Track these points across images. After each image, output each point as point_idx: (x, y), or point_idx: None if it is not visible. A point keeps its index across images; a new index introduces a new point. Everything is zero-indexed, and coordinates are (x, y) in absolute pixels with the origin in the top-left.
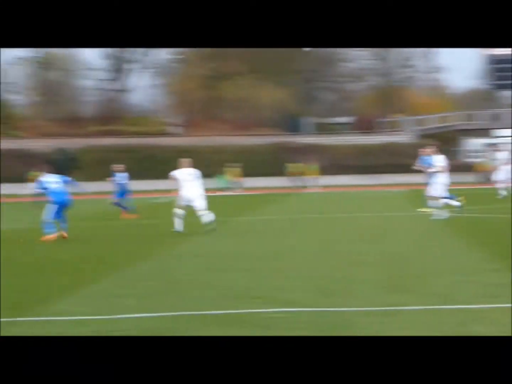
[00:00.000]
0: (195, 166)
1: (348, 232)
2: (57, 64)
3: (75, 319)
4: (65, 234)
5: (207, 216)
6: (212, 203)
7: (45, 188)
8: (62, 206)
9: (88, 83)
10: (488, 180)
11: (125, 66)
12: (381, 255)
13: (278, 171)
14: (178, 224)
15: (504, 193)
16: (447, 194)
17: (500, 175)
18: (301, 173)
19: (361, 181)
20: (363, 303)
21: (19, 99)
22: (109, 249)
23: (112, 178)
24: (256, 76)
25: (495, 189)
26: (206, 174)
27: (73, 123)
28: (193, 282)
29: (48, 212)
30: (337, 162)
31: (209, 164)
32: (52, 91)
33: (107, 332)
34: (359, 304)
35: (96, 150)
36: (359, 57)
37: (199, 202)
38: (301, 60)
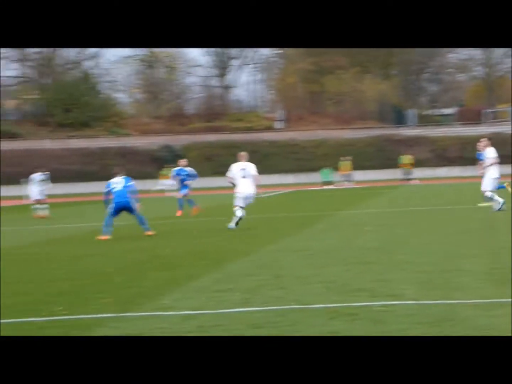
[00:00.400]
0: (298, 160)
1: (453, 224)
2: (161, 61)
3: (181, 314)
4: (150, 232)
5: (238, 212)
6: (319, 196)
7: (110, 189)
8: (120, 208)
9: (192, 80)
10: None
11: (229, 62)
12: (487, 247)
13: (381, 164)
14: (234, 222)
15: None
16: (496, 187)
17: None
18: (410, 165)
19: (466, 173)
20: (470, 295)
21: (124, 97)
22: (207, 244)
23: (174, 174)
24: (359, 69)
25: None
26: (309, 168)
27: (178, 120)
28: (296, 276)
29: (108, 211)
30: (442, 154)
31: (312, 158)
32: (157, 89)
33: (213, 327)
34: (466, 296)
35: (201, 147)
36: (463, 48)
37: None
38: (405, 51)
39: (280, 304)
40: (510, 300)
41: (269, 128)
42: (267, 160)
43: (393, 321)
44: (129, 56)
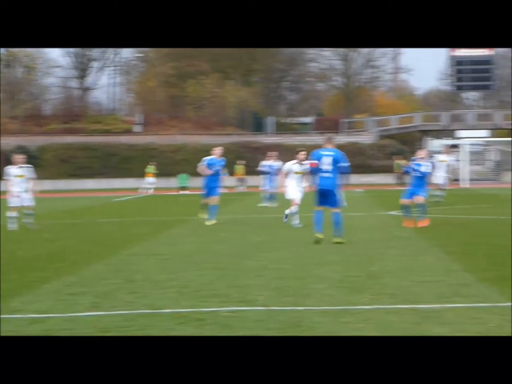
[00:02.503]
0: (157, 164)
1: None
2: (20, 61)
3: (29, 317)
4: None
5: None
6: (176, 201)
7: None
8: None
9: (50, 80)
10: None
11: (89, 64)
12: (343, 254)
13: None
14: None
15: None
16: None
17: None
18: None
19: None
20: (320, 302)
21: None
22: (62, 247)
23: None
24: (220, 75)
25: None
26: (168, 173)
27: (35, 120)
28: (149, 280)
29: None
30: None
31: (170, 163)
32: (14, 88)
33: (61, 331)
34: (317, 303)
35: (57, 148)
36: (324, 57)
37: None
38: (266, 59)
39: (130, 309)
40: (359, 307)
41: (128, 131)
42: (125, 163)
43: (241, 326)
44: None
